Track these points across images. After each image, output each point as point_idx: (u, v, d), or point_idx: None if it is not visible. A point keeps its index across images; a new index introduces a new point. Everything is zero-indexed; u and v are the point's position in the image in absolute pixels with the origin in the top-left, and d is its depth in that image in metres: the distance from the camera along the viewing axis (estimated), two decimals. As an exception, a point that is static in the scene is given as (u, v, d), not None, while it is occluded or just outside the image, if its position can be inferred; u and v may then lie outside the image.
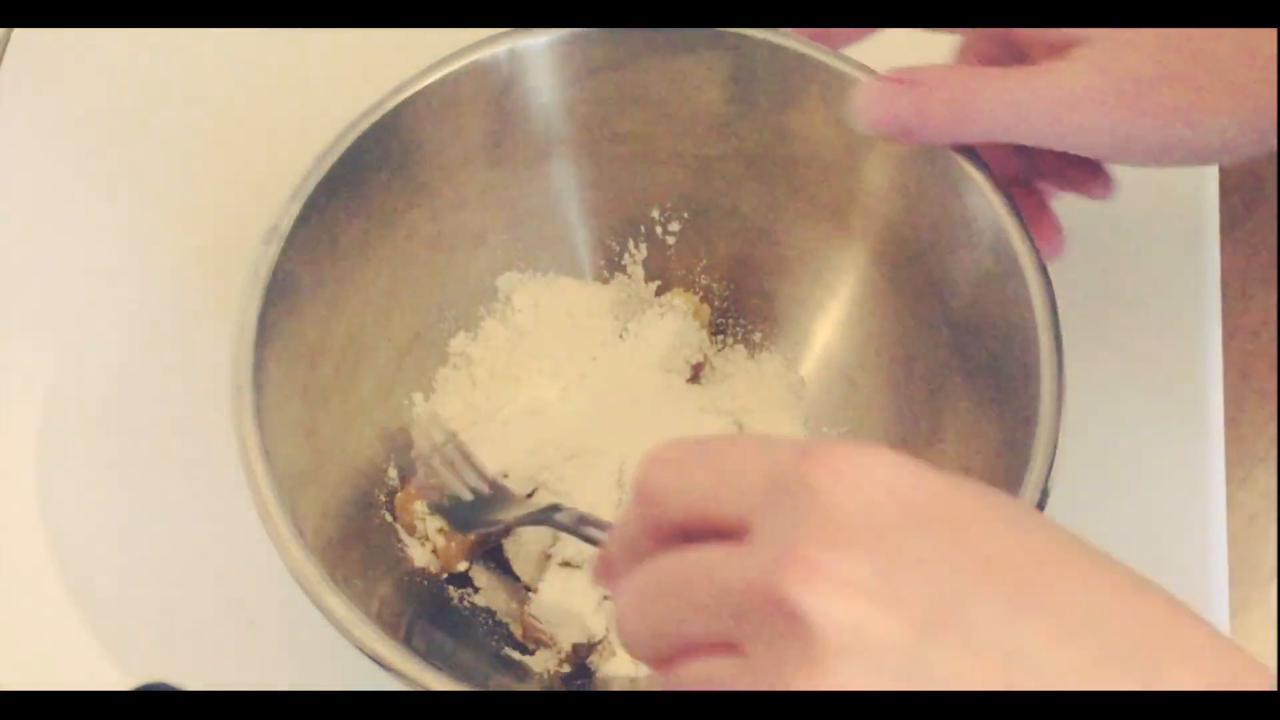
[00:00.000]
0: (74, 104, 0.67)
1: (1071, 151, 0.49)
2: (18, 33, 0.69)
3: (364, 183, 0.52)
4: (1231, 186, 0.69)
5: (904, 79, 0.49)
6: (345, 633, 0.44)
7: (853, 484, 0.31)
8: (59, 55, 0.68)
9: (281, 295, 0.49)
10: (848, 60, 0.52)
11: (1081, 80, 0.46)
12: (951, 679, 0.30)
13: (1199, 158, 0.48)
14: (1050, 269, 0.49)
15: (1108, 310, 0.60)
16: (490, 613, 0.53)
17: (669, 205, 0.59)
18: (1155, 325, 0.60)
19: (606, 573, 0.37)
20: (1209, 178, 0.64)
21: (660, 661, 0.34)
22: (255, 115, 0.66)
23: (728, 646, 0.32)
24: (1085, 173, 0.51)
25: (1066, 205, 0.53)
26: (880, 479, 0.32)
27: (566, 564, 0.53)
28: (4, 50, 0.68)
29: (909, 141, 0.50)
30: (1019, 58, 0.49)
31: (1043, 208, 0.53)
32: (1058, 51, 0.47)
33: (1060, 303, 0.48)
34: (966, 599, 0.30)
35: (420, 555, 0.54)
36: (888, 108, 0.49)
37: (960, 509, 0.32)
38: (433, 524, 0.53)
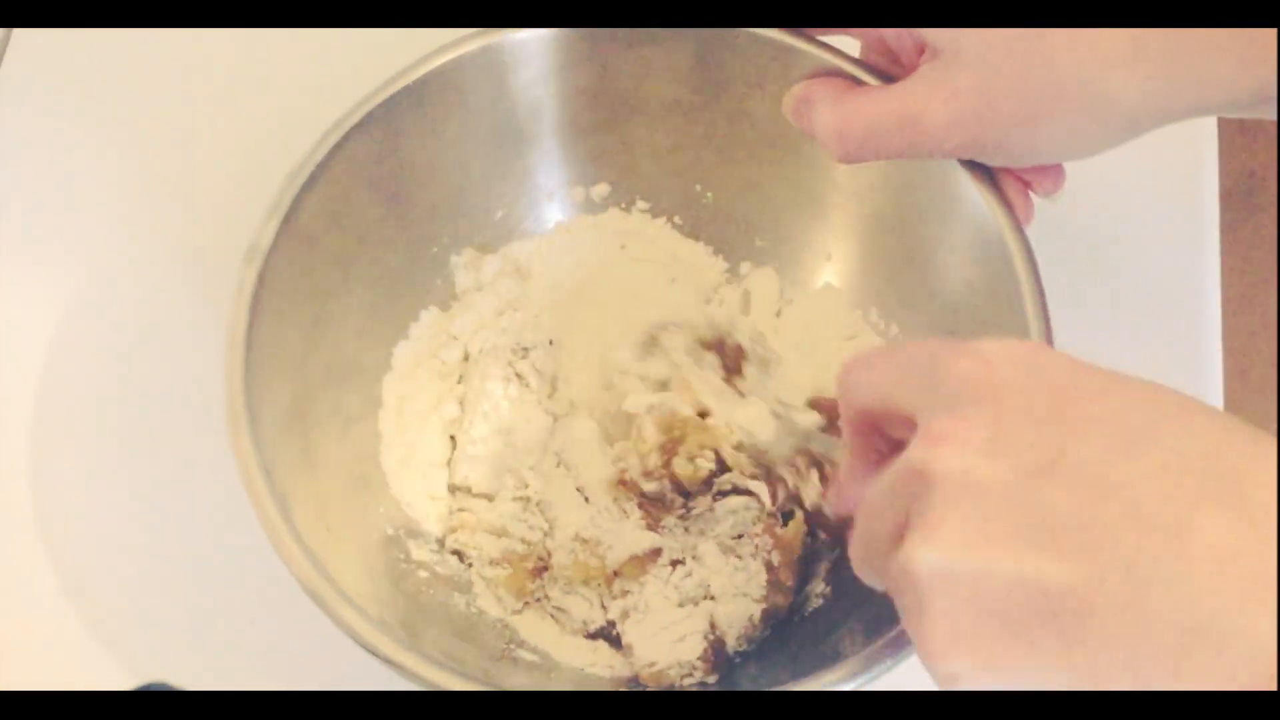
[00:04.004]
0: (74, 104, 0.67)
1: (949, 158, 0.50)
2: (18, 33, 0.69)
3: (340, 192, 0.53)
4: (1231, 186, 0.69)
5: (803, 96, 0.51)
6: (357, 638, 0.44)
7: (986, 361, 0.36)
8: (59, 55, 0.68)
9: (266, 311, 0.49)
10: (812, 42, 0.53)
11: (920, 98, 0.47)
12: (1049, 513, 0.33)
13: (1061, 155, 0.49)
14: (1050, 270, 0.49)
15: (1107, 310, 0.60)
16: (499, 620, 0.53)
17: (645, 196, 0.60)
18: (1155, 325, 0.60)
19: (836, 494, 0.45)
20: (1209, 178, 0.64)
21: (884, 576, 0.38)
22: (255, 114, 0.66)
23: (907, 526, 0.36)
24: (1029, 171, 0.51)
25: (1068, 206, 0.53)
26: (1011, 355, 0.36)
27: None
28: (4, 50, 0.68)
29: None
30: (902, 65, 0.50)
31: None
32: (916, 63, 0.48)
33: (1059, 302, 0.48)
34: (1071, 447, 0.34)
35: (424, 556, 0.54)
36: (804, 127, 0.51)
37: (1077, 380, 0.36)
38: (488, 557, 0.54)
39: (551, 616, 0.54)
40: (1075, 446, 0.34)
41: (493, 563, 0.54)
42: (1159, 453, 0.34)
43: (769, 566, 0.52)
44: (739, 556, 0.53)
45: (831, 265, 0.58)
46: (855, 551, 0.40)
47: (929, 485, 0.35)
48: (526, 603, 0.54)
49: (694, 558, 0.53)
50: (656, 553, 0.53)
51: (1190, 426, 0.35)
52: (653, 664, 0.51)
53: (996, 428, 0.35)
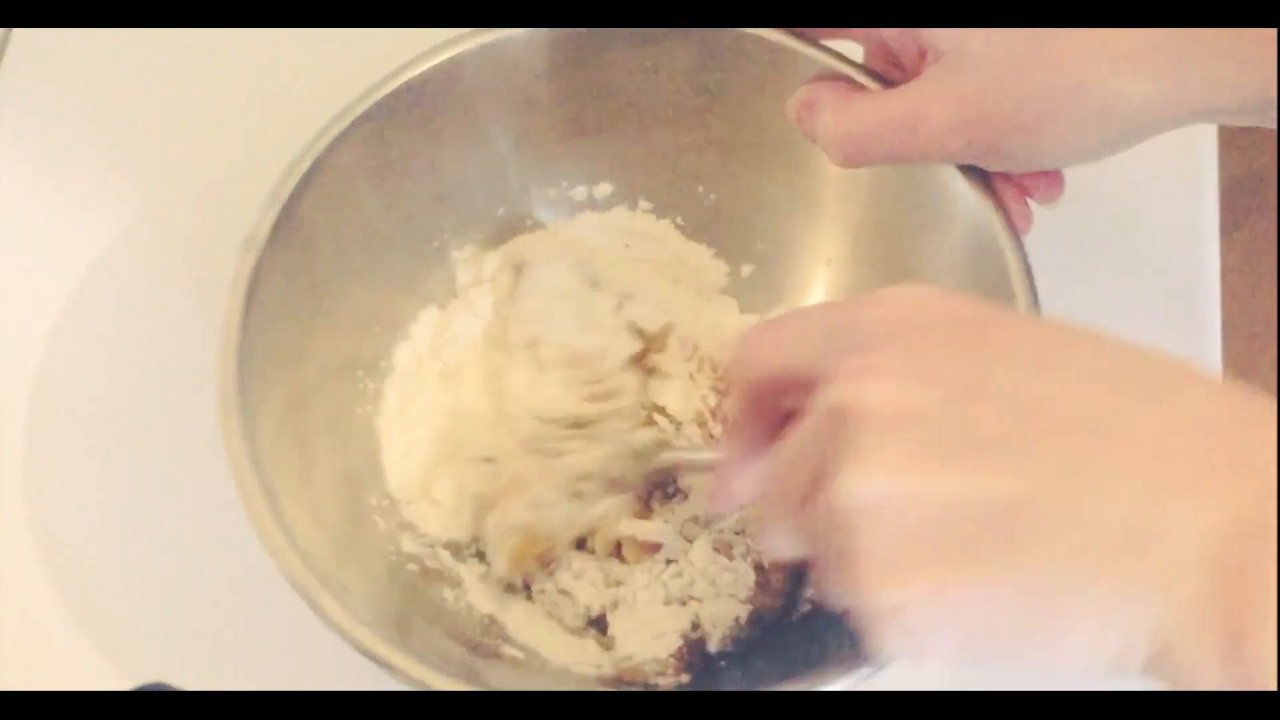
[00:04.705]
0: (74, 104, 0.67)
1: (951, 162, 0.50)
2: (18, 33, 0.69)
3: (338, 186, 0.53)
4: (1231, 186, 0.69)
5: (806, 100, 0.51)
6: (346, 636, 0.44)
7: (889, 305, 0.36)
8: (59, 55, 0.68)
9: (262, 303, 0.49)
10: (814, 45, 0.53)
11: (922, 101, 0.47)
12: (985, 433, 0.33)
13: (1064, 160, 0.48)
14: (1049, 270, 0.49)
15: (1106, 310, 0.60)
16: (488, 616, 0.53)
17: (644, 195, 0.60)
18: (1155, 325, 0.60)
19: (719, 486, 0.43)
20: (1209, 178, 0.64)
21: (799, 531, 0.38)
22: (255, 114, 0.66)
23: (824, 479, 0.35)
24: (1027, 176, 0.51)
25: (1067, 206, 0.53)
26: (914, 300, 0.36)
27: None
28: (4, 50, 0.68)
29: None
30: (904, 70, 0.50)
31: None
32: (919, 68, 0.48)
33: (1059, 303, 0.48)
34: (992, 371, 0.34)
35: (415, 549, 0.54)
36: (806, 131, 0.51)
37: (983, 313, 0.36)
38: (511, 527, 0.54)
39: (547, 611, 0.54)
40: (996, 370, 0.34)
41: (510, 528, 0.54)
42: (1078, 368, 0.34)
43: (759, 568, 0.53)
44: (729, 556, 0.53)
45: (830, 269, 0.58)
46: (766, 520, 0.39)
47: (854, 420, 0.34)
48: (512, 587, 0.54)
49: (687, 557, 0.53)
50: (657, 546, 0.53)
51: (1100, 346, 0.35)
52: (629, 657, 0.51)
53: (916, 359, 0.35)
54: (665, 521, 0.54)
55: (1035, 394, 0.33)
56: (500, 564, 0.54)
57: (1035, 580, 0.32)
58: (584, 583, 0.53)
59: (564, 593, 0.54)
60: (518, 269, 0.59)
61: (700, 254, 0.61)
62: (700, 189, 0.60)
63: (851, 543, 0.34)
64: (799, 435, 0.37)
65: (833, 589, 0.36)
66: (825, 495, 0.34)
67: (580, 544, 0.55)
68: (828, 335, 0.37)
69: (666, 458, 0.52)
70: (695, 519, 0.54)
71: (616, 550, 0.54)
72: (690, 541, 0.54)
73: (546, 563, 0.54)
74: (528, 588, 0.54)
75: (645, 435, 0.53)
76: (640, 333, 0.57)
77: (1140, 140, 0.47)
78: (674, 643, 0.52)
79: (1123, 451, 0.32)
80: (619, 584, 0.53)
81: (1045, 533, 0.32)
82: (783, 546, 0.39)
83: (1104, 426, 0.33)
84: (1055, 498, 0.32)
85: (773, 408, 0.40)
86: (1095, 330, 0.36)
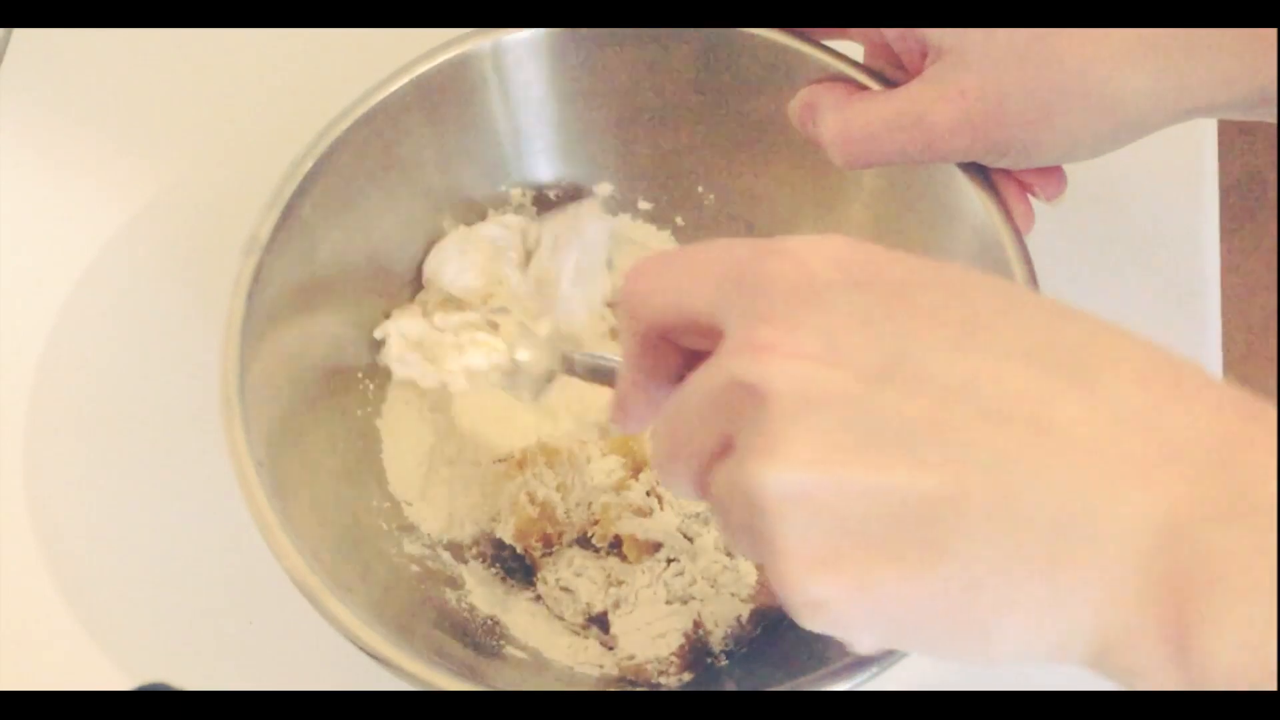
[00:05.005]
0: (73, 104, 0.67)
1: (956, 162, 0.50)
2: (18, 33, 0.69)
3: (340, 187, 0.53)
4: (1231, 186, 0.69)
5: (808, 101, 0.51)
6: (352, 638, 0.44)
7: (799, 261, 0.34)
8: (59, 55, 0.68)
9: (263, 304, 0.49)
10: (815, 45, 0.53)
11: (924, 99, 0.47)
12: (900, 420, 0.31)
13: (1066, 156, 0.48)
14: (1049, 270, 0.49)
15: (1107, 310, 0.60)
16: (490, 617, 0.53)
17: (644, 196, 0.60)
18: (1155, 325, 0.60)
19: (621, 412, 0.40)
20: (1209, 178, 0.64)
21: (698, 487, 0.36)
22: (255, 113, 0.66)
23: (730, 449, 0.34)
24: (1030, 173, 0.51)
25: (1067, 206, 0.53)
26: (826, 254, 0.34)
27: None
28: (4, 50, 0.68)
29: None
30: (905, 69, 0.50)
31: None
32: (920, 68, 0.48)
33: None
34: (911, 348, 0.32)
35: (417, 550, 0.54)
36: (808, 133, 0.51)
37: (903, 272, 0.34)
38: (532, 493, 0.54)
39: (549, 609, 0.54)
40: (914, 346, 0.32)
41: (531, 498, 0.54)
42: (1000, 342, 0.32)
43: (761, 567, 0.53)
44: (730, 555, 0.53)
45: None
46: (660, 464, 0.37)
47: (763, 401, 0.32)
48: (505, 575, 0.54)
49: (690, 556, 0.53)
50: (658, 545, 0.53)
51: (1029, 312, 0.33)
52: (631, 657, 0.51)
53: (827, 333, 0.32)
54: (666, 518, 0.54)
55: (958, 374, 0.32)
56: (507, 529, 0.54)
57: (960, 579, 0.31)
58: (585, 580, 0.53)
59: (566, 590, 0.54)
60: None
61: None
62: (700, 189, 0.60)
63: (768, 533, 0.32)
64: (700, 394, 0.34)
65: (745, 556, 0.35)
66: (735, 475, 0.33)
67: (583, 543, 0.55)
68: (729, 284, 0.35)
69: (573, 356, 0.51)
70: (697, 515, 0.54)
71: (617, 548, 0.54)
72: (691, 541, 0.54)
73: (549, 543, 0.54)
74: (531, 579, 0.55)
75: (546, 326, 0.53)
76: None
77: (1141, 135, 0.47)
78: (676, 641, 0.52)
79: (1051, 444, 0.31)
80: (620, 583, 0.53)
81: (970, 531, 0.31)
82: (682, 492, 0.37)
83: (1031, 414, 0.31)
84: (980, 493, 0.31)
85: (669, 344, 0.38)
86: (1015, 289, 0.34)
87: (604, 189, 0.60)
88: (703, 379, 0.34)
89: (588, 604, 0.53)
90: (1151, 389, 0.32)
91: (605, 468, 0.55)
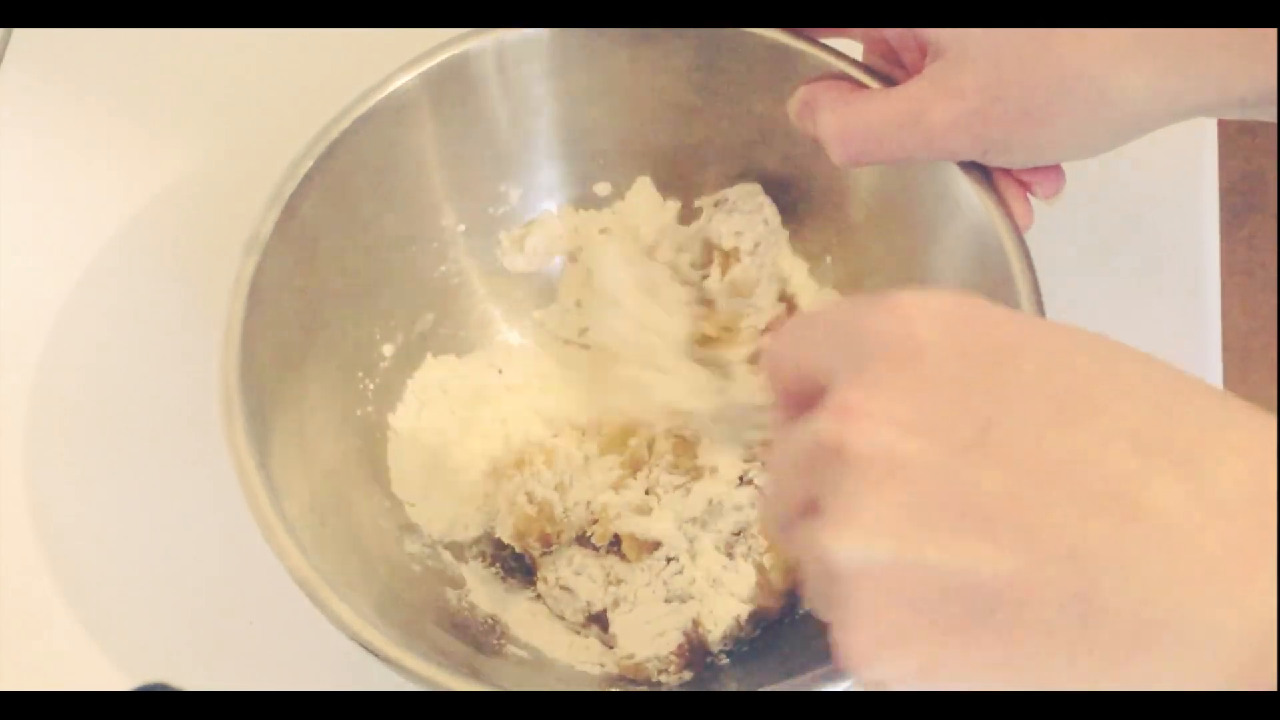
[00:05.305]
0: (74, 104, 0.67)
1: (955, 160, 0.49)
2: (18, 33, 0.69)
3: (340, 186, 0.53)
4: (1231, 186, 0.69)
5: (807, 99, 0.51)
6: (355, 637, 0.44)
7: (903, 318, 0.32)
8: (59, 55, 0.68)
9: (264, 304, 0.49)
10: (814, 44, 0.53)
11: (923, 98, 0.47)
12: (981, 496, 0.30)
13: (1065, 155, 0.48)
14: (1048, 271, 0.49)
15: (1107, 310, 0.60)
16: (491, 616, 0.53)
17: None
18: (1155, 325, 0.60)
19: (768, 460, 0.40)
20: (1209, 178, 0.64)
21: (790, 541, 0.35)
22: (255, 113, 0.66)
23: (814, 509, 0.33)
24: (1029, 172, 0.51)
25: (1067, 206, 0.53)
26: (931, 312, 0.32)
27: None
28: (4, 50, 0.68)
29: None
30: (905, 68, 0.50)
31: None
32: (919, 66, 0.48)
33: (1059, 303, 0.48)
34: (1004, 420, 0.30)
35: (417, 550, 0.54)
36: (808, 131, 0.51)
37: (1008, 335, 0.32)
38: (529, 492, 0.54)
39: (549, 608, 0.54)
40: (1007, 417, 0.30)
41: (530, 498, 0.54)
42: (1102, 421, 0.30)
43: (760, 569, 0.53)
44: (730, 556, 0.53)
45: (830, 267, 0.58)
46: (764, 513, 0.37)
47: (845, 465, 0.31)
48: (505, 574, 0.54)
49: (690, 555, 0.53)
50: (657, 544, 0.53)
51: (1138, 388, 0.31)
52: (631, 656, 0.51)
53: (918, 398, 0.31)
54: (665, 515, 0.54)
55: (1049, 452, 0.30)
56: (505, 529, 0.54)
57: (1033, 672, 0.30)
58: (584, 579, 0.53)
59: (565, 589, 0.54)
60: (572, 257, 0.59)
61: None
62: (700, 188, 0.60)
63: (839, 602, 0.31)
64: (791, 450, 0.34)
65: (820, 615, 0.34)
66: (814, 536, 0.32)
67: (583, 541, 0.55)
68: (834, 339, 0.34)
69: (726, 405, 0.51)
70: (694, 519, 0.54)
71: (616, 546, 0.54)
72: (691, 541, 0.54)
73: (548, 542, 0.54)
74: (531, 578, 0.55)
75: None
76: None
77: (1141, 134, 0.47)
78: (675, 640, 0.52)
79: (1142, 535, 0.29)
80: (620, 582, 0.53)
81: (1047, 621, 0.29)
82: (773, 539, 0.37)
83: (1125, 498, 0.29)
84: (1061, 583, 0.29)
85: (801, 400, 0.37)
86: (1136, 360, 0.32)
87: (603, 188, 0.60)
88: (795, 435, 0.33)
89: (588, 603, 0.53)
90: (1264, 479, 0.29)
91: (604, 466, 0.55)
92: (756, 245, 0.56)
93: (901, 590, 0.30)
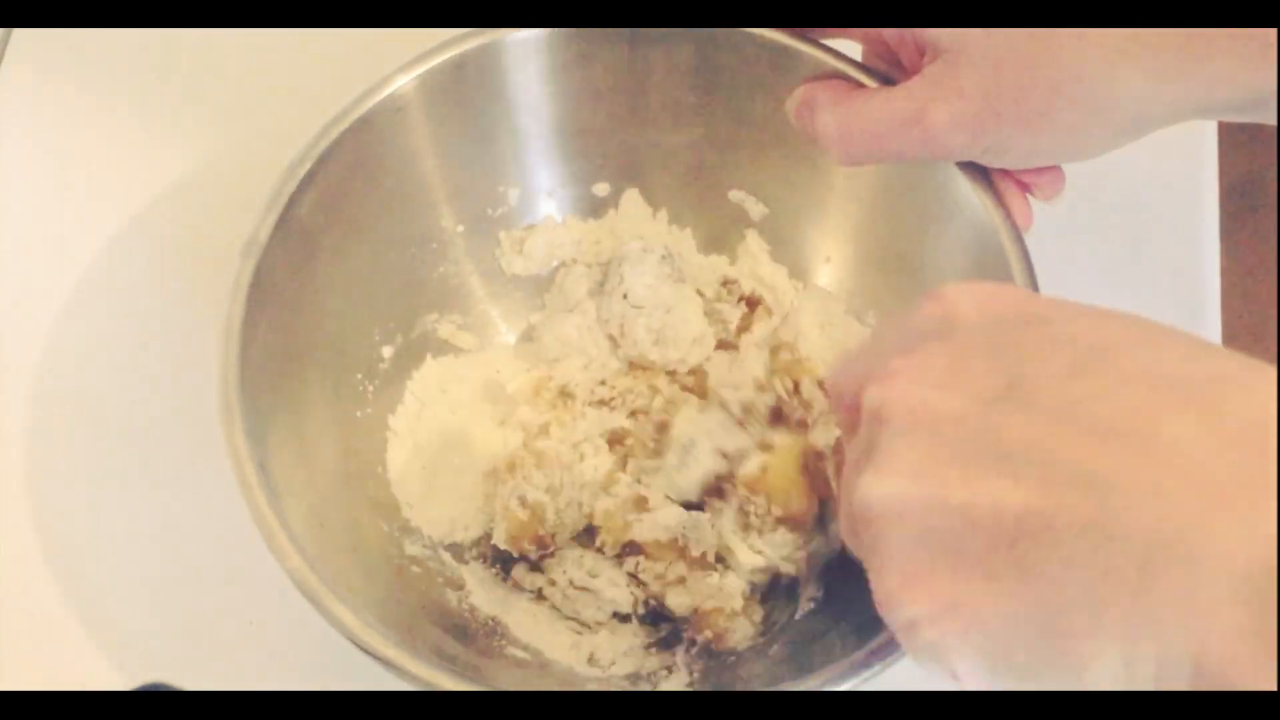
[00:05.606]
0: (74, 104, 0.67)
1: (954, 160, 0.50)
2: (18, 33, 0.69)
3: (339, 188, 0.53)
4: (1231, 186, 0.69)
5: (805, 99, 0.51)
6: (355, 640, 0.44)
7: (947, 303, 0.35)
8: (59, 55, 0.68)
9: (263, 306, 0.49)
10: (813, 44, 0.53)
11: (922, 98, 0.47)
12: (1005, 439, 0.32)
13: (1064, 156, 0.48)
14: (1048, 271, 0.49)
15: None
16: (491, 618, 0.53)
17: (644, 194, 0.60)
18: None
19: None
20: (1209, 178, 0.64)
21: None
22: (255, 112, 0.66)
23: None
24: (1028, 173, 0.51)
25: (1067, 207, 0.54)
26: (973, 296, 0.35)
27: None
28: (4, 50, 0.68)
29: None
30: (903, 68, 0.50)
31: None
32: (918, 66, 0.48)
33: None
34: (1027, 371, 0.32)
35: (417, 552, 0.54)
36: (806, 131, 0.51)
37: (1043, 308, 0.35)
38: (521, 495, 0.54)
39: (556, 607, 0.54)
40: (1032, 369, 0.32)
41: (522, 502, 0.54)
42: (1121, 367, 0.32)
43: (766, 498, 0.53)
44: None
45: (830, 268, 0.58)
46: (842, 527, 0.38)
47: (883, 422, 0.34)
48: (505, 575, 0.54)
49: (712, 517, 0.53)
50: (677, 541, 0.54)
51: (1157, 342, 0.33)
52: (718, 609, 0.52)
53: (952, 360, 0.34)
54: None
55: (1068, 396, 0.31)
56: (500, 534, 0.54)
57: (1051, 600, 0.31)
58: (604, 581, 0.53)
59: (583, 589, 0.54)
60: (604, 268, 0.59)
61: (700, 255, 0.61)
62: (699, 188, 0.60)
63: (871, 546, 0.33)
64: (854, 440, 0.36)
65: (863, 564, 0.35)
66: (851, 490, 0.34)
67: (584, 543, 0.55)
68: (885, 343, 0.37)
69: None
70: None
71: (632, 552, 0.54)
72: (703, 507, 0.53)
73: (544, 545, 0.54)
74: (537, 568, 0.55)
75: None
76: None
77: (1140, 136, 0.47)
78: (739, 588, 0.52)
79: (1155, 462, 0.30)
80: (657, 574, 0.53)
81: (1061, 549, 0.30)
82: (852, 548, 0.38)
83: (1137, 433, 0.30)
84: (1074, 511, 0.30)
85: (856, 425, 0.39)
86: (1155, 326, 0.33)
87: (602, 189, 0.60)
88: (855, 434, 0.36)
89: (613, 600, 0.53)
90: (1267, 413, 0.30)
91: (593, 464, 0.55)
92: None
93: (928, 530, 0.32)
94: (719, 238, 0.61)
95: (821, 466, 0.50)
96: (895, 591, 0.33)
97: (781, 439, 0.51)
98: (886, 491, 0.33)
